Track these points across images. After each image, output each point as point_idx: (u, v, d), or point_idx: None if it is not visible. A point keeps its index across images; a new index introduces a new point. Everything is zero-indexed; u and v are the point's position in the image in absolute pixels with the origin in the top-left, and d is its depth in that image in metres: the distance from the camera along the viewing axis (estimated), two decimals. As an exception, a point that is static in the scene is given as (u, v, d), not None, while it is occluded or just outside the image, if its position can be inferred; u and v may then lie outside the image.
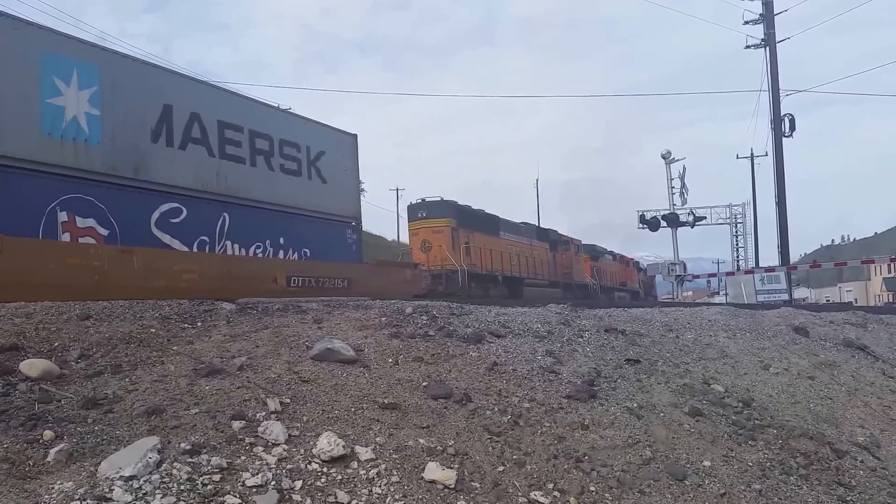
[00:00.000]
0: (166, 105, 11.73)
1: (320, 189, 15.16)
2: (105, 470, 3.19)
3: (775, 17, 27.43)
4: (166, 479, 3.18)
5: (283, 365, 4.87)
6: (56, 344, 4.73)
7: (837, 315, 11.70)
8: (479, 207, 23.63)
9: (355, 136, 16.66)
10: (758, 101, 55.67)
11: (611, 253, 36.75)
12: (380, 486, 3.62)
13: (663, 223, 33.64)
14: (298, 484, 3.44)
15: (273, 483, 3.37)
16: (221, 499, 3.16)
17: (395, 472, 3.76)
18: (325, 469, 3.62)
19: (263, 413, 4.04)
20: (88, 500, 2.96)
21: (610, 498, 4.15)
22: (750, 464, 4.97)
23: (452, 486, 3.78)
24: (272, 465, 3.52)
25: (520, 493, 3.93)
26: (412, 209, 22.09)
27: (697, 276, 41.03)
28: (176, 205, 11.63)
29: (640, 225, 34.43)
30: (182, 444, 3.49)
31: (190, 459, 3.37)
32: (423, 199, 21.92)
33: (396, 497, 3.58)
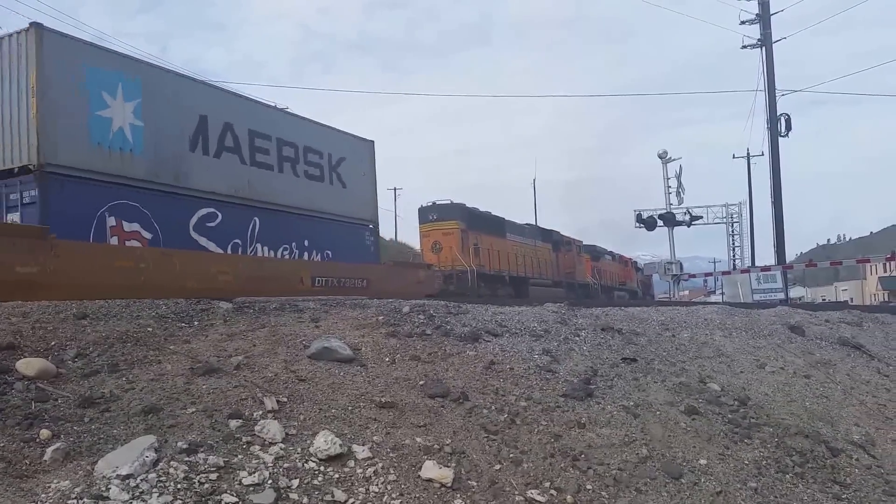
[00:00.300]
0: (202, 116, 12.46)
1: (341, 193, 15.95)
2: (102, 469, 3.19)
3: (771, 18, 27.52)
4: (163, 478, 3.18)
5: (280, 364, 4.87)
6: (53, 343, 4.72)
7: (833, 314, 11.74)
8: (486, 210, 24.26)
9: (372, 142, 17.43)
10: (754, 101, 55.85)
11: (610, 253, 36.99)
12: (377, 485, 3.62)
13: (660, 223, 33.76)
14: (295, 483, 3.44)
15: (270, 482, 3.37)
16: (218, 497, 3.16)
17: (392, 471, 3.77)
18: (322, 468, 3.63)
19: (260, 412, 4.04)
20: (85, 499, 2.96)
21: (606, 496, 4.16)
22: (746, 462, 4.98)
23: (449, 485, 3.78)
24: (269, 464, 3.52)
25: (516, 492, 3.94)
26: (423, 212, 22.75)
27: (694, 276, 41.17)
28: (212, 210, 12.40)
29: (637, 224, 34.55)
30: (179, 443, 3.49)
31: (187, 458, 3.37)
32: (434, 203, 22.56)
33: (393, 495, 3.58)
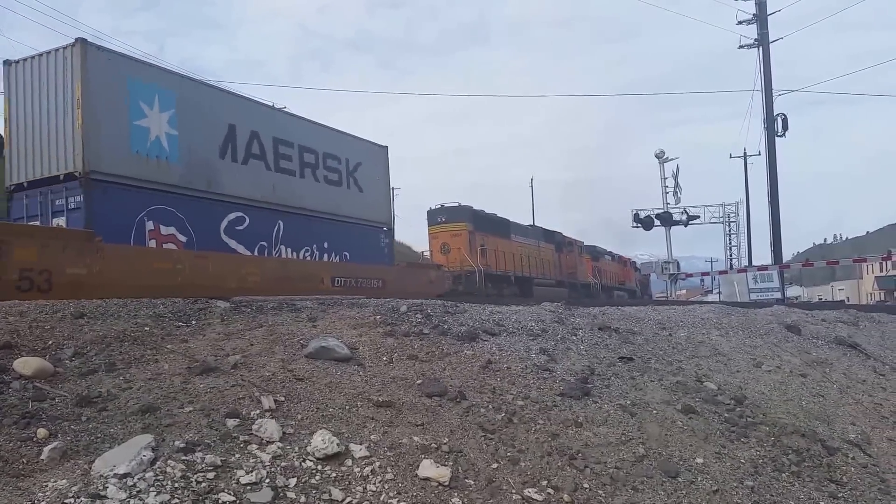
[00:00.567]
0: (230, 125, 13.20)
1: (357, 197, 16.70)
2: (99, 468, 3.19)
3: (768, 18, 27.57)
4: (160, 477, 3.18)
5: (277, 363, 4.87)
6: (50, 342, 4.72)
7: (829, 313, 11.78)
8: (492, 212, 24.82)
9: (386, 147, 18.16)
10: (751, 101, 55.86)
11: (609, 253, 37.30)
12: (374, 484, 3.63)
13: (657, 222, 33.82)
14: (293, 482, 3.44)
15: (267, 481, 3.37)
16: (216, 496, 3.16)
17: (389, 470, 3.77)
18: (319, 467, 3.63)
19: (258, 411, 4.04)
20: (82, 498, 2.95)
21: (603, 495, 4.17)
22: (742, 461, 5.00)
23: (447, 484, 3.79)
24: (266, 463, 3.52)
25: (514, 491, 3.95)
26: (432, 214, 23.40)
27: (691, 275, 41.27)
28: (240, 214, 13.15)
29: (635, 224, 34.61)
30: (176, 442, 3.49)
31: (184, 457, 3.37)
32: (443, 205, 23.20)
33: (391, 494, 3.59)
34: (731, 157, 43.63)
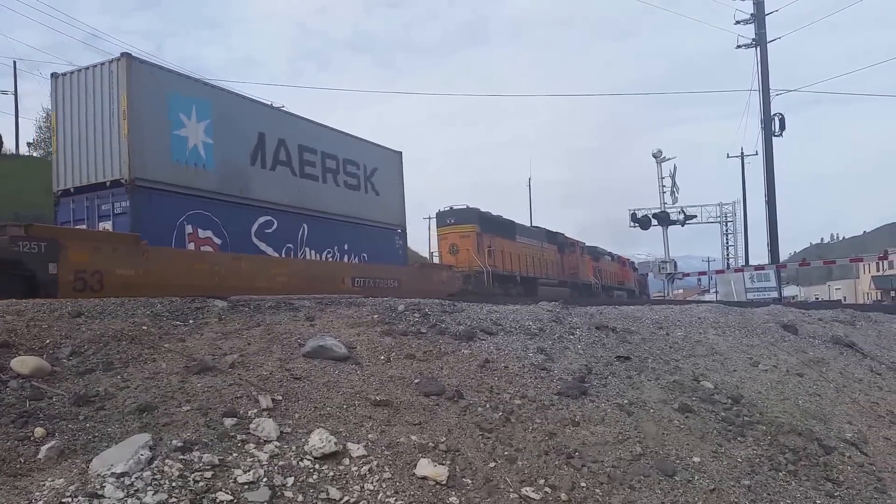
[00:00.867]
0: (260, 133, 13.86)
1: (374, 201, 17.40)
2: (96, 467, 3.19)
3: (766, 17, 27.60)
4: (158, 476, 3.18)
5: (275, 362, 4.87)
6: (48, 341, 4.71)
7: (826, 313, 11.81)
8: (498, 213, 25.30)
9: (400, 153, 18.88)
10: (748, 101, 56.02)
11: (609, 254, 37.59)
12: (371, 483, 3.63)
13: (654, 222, 33.84)
14: (290, 481, 3.44)
15: (265, 480, 3.38)
16: (213, 496, 3.17)
17: (386, 469, 3.78)
18: (316, 466, 3.63)
19: (255, 410, 4.04)
20: (80, 497, 2.95)
21: (600, 493, 4.17)
22: (739, 460, 5.01)
23: (444, 483, 3.79)
24: (264, 462, 3.52)
25: (511, 489, 3.95)
26: (441, 216, 24.13)
27: (688, 275, 41.30)
28: (269, 217, 13.80)
29: (632, 223, 34.63)
30: (174, 441, 3.49)
31: (182, 456, 3.37)
32: (451, 207, 23.83)
33: (388, 493, 3.59)
34: (728, 156, 43.70)
